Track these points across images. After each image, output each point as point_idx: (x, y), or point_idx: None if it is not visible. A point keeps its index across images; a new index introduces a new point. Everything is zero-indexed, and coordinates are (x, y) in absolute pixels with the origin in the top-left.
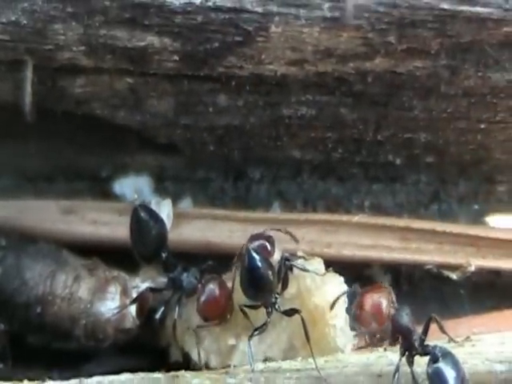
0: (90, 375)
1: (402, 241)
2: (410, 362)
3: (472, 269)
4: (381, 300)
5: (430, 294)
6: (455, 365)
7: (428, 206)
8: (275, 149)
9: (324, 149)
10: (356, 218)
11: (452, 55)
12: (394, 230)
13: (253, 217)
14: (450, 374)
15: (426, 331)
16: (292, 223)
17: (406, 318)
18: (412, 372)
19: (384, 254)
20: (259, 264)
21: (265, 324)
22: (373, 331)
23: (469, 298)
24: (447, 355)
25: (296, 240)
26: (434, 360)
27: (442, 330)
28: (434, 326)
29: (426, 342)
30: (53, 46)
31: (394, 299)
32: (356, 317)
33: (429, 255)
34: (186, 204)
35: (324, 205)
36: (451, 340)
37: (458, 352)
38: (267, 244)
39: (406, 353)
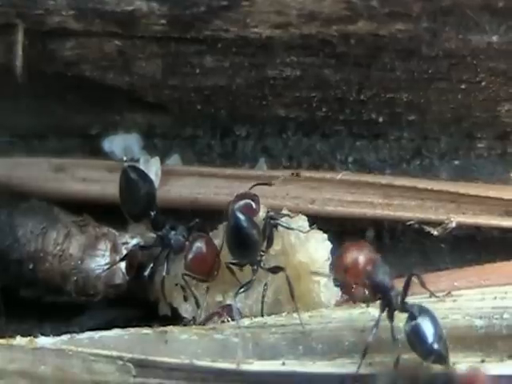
0: (82, 328)
1: (384, 197)
2: (390, 318)
3: (453, 225)
4: (359, 256)
5: (412, 247)
6: (433, 322)
7: (410, 162)
8: (260, 108)
9: (308, 108)
10: (340, 175)
11: (433, 18)
12: (377, 187)
13: (239, 174)
14: (427, 331)
15: (406, 289)
16: (277, 180)
17: (383, 275)
18: (392, 327)
19: (367, 210)
20: (244, 224)
21: (250, 282)
22: (350, 286)
23: (450, 252)
24: (425, 313)
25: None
26: (412, 318)
27: (424, 286)
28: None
29: (407, 300)
30: (43, 10)
31: (374, 256)
32: (335, 271)
33: (411, 211)
34: (174, 160)
35: (308, 161)
36: (432, 295)
37: (439, 307)
38: (252, 203)
39: (386, 308)
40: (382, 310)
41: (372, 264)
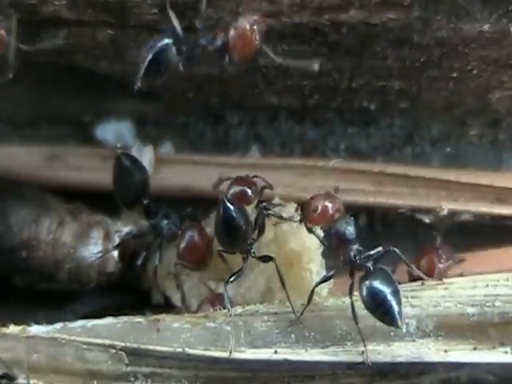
0: (75, 315)
1: (376, 185)
2: (350, 275)
3: (445, 212)
4: (328, 204)
5: (404, 235)
6: (387, 280)
7: (402, 149)
8: (252, 95)
9: (300, 95)
10: (332, 163)
11: (424, 7)
12: (369, 175)
13: (231, 162)
14: (379, 292)
15: (377, 258)
16: (269, 168)
17: (346, 227)
18: (351, 284)
19: (359, 198)
20: (233, 214)
21: (240, 270)
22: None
23: (441, 240)
24: (378, 271)
25: (271, 187)
26: (366, 276)
27: (405, 262)
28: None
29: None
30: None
31: (342, 209)
32: (305, 217)
33: (402, 199)
34: (166, 148)
35: (300, 148)
36: (408, 266)
37: (432, 295)
38: (248, 190)
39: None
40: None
41: (339, 214)
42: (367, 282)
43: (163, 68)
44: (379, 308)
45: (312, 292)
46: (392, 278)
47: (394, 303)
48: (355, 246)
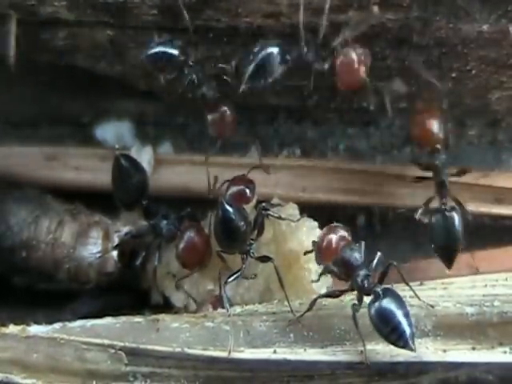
0: (74, 315)
1: (375, 185)
2: (358, 300)
3: None
4: (334, 238)
5: (403, 235)
6: (396, 304)
7: (401, 149)
8: (252, 95)
9: (300, 96)
10: (330, 163)
11: (424, 7)
12: (368, 175)
13: (230, 162)
14: (389, 314)
15: (382, 277)
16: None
17: (351, 254)
18: (354, 308)
19: (358, 198)
20: (231, 215)
21: (240, 270)
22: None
23: None
24: (388, 294)
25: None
26: (375, 299)
27: (401, 276)
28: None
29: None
30: (35, 0)
31: (346, 237)
32: (315, 254)
33: (401, 199)
34: (165, 148)
35: (300, 148)
36: (406, 284)
37: (431, 295)
38: (246, 190)
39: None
40: (359, 300)
41: (343, 244)
42: (376, 305)
43: (266, 73)
44: (390, 331)
45: (315, 300)
46: (402, 300)
47: (406, 327)
48: (362, 272)
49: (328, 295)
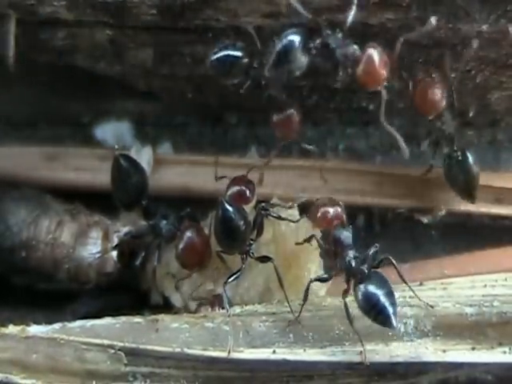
0: (74, 315)
1: (374, 185)
2: (346, 281)
3: (443, 213)
4: (331, 210)
5: (402, 235)
6: (381, 283)
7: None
8: (251, 95)
9: (299, 96)
10: (330, 163)
11: (423, 7)
12: (368, 175)
13: (230, 162)
14: (373, 292)
15: (371, 263)
16: (267, 168)
17: (343, 232)
18: (345, 290)
19: (357, 198)
20: (231, 216)
21: (239, 270)
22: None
23: (440, 239)
24: (372, 274)
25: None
26: (361, 280)
27: (397, 271)
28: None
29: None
30: (35, 0)
31: (344, 217)
32: (310, 219)
33: (401, 199)
34: (165, 148)
35: (299, 148)
36: (403, 281)
37: (430, 295)
38: (246, 190)
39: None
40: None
41: (339, 221)
42: (361, 286)
43: (288, 61)
44: (372, 310)
45: (307, 289)
46: (386, 280)
47: (387, 304)
48: (351, 252)
49: (319, 279)
